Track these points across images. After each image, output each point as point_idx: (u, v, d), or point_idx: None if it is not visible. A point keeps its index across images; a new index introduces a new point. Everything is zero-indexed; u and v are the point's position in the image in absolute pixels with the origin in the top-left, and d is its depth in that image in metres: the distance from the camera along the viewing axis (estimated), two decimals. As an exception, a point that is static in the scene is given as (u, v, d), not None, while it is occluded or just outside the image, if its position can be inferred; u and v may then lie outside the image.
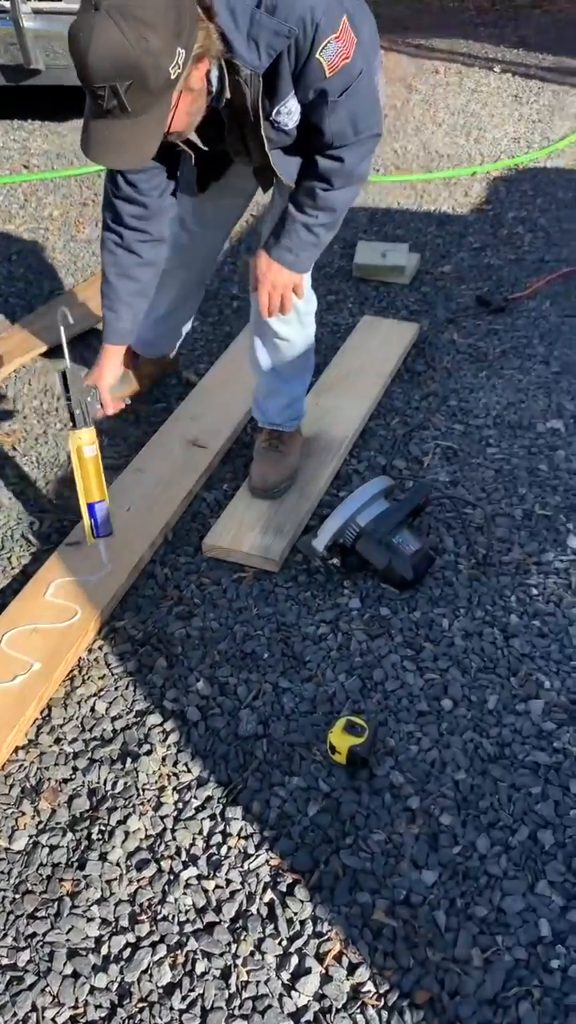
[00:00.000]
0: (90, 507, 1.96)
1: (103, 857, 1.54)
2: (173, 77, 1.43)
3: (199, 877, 1.52)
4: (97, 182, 4.28)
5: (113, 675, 1.86)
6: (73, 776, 1.67)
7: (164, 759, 1.69)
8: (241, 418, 2.57)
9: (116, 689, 1.83)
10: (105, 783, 1.65)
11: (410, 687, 1.81)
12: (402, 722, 1.75)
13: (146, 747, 1.71)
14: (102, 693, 1.82)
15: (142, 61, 1.37)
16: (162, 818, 1.60)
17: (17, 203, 4.08)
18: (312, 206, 1.81)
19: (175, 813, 1.60)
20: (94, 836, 1.57)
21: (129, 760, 1.69)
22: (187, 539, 2.19)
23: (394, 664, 1.86)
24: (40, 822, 1.60)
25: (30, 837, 1.58)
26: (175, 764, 1.68)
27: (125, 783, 1.65)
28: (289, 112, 1.68)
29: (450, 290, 3.29)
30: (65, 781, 1.66)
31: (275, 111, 1.67)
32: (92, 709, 1.79)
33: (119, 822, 1.59)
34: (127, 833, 1.57)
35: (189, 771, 1.67)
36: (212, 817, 1.60)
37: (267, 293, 1.93)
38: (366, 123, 1.71)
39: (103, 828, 1.58)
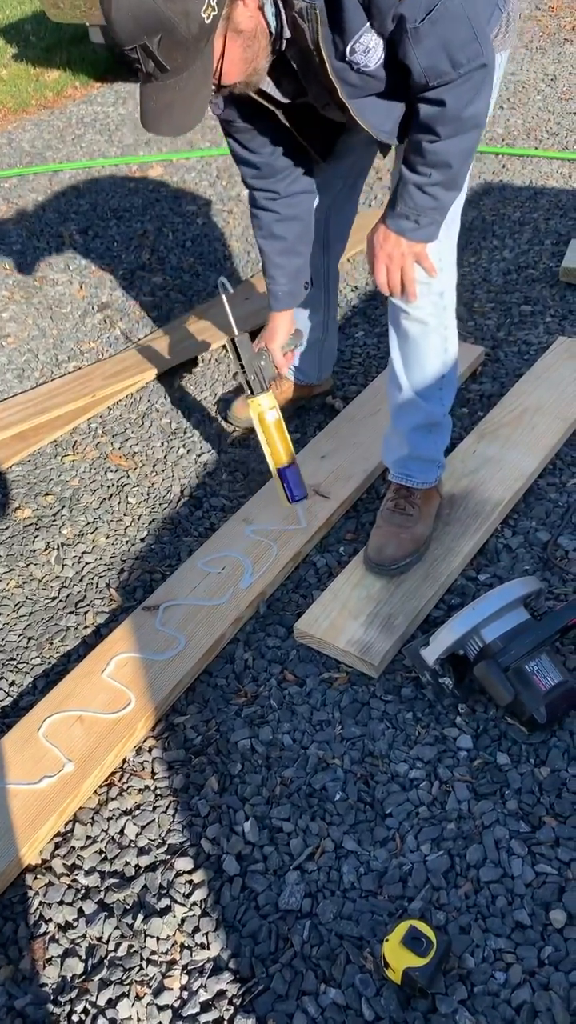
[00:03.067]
0: (281, 472, 1.91)
1: (82, 1045, 1.26)
2: (208, 21, 1.29)
3: None
4: (295, 158, 3.93)
5: (155, 790, 1.56)
6: (76, 923, 1.40)
7: (183, 922, 1.38)
8: (379, 461, 2.16)
9: (154, 810, 1.53)
10: (108, 941, 1.37)
11: (513, 882, 1.37)
12: (491, 933, 1.31)
13: (165, 901, 1.40)
14: (137, 813, 1.53)
15: (166, 10, 1.25)
16: (159, 1008, 1.28)
17: (208, 180, 3.84)
18: (423, 163, 1.53)
19: (176, 1005, 1.29)
20: (74, 1020, 1.29)
21: (143, 915, 1.39)
22: (282, 615, 1.84)
23: (499, 842, 1.41)
24: (21, 977, 1.34)
25: None
26: (194, 932, 1.36)
27: (131, 947, 1.36)
28: (367, 49, 1.42)
29: None
30: (64, 928, 1.39)
31: (349, 49, 1.41)
32: (121, 832, 1.50)
33: (109, 1003, 1.30)
34: (113, 1023, 1.28)
35: (207, 947, 1.34)
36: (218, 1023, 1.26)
37: (383, 264, 1.66)
38: (465, 52, 1.39)
39: (88, 1008, 1.30)
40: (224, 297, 1.85)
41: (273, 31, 1.43)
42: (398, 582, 1.82)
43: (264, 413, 1.88)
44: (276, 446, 1.90)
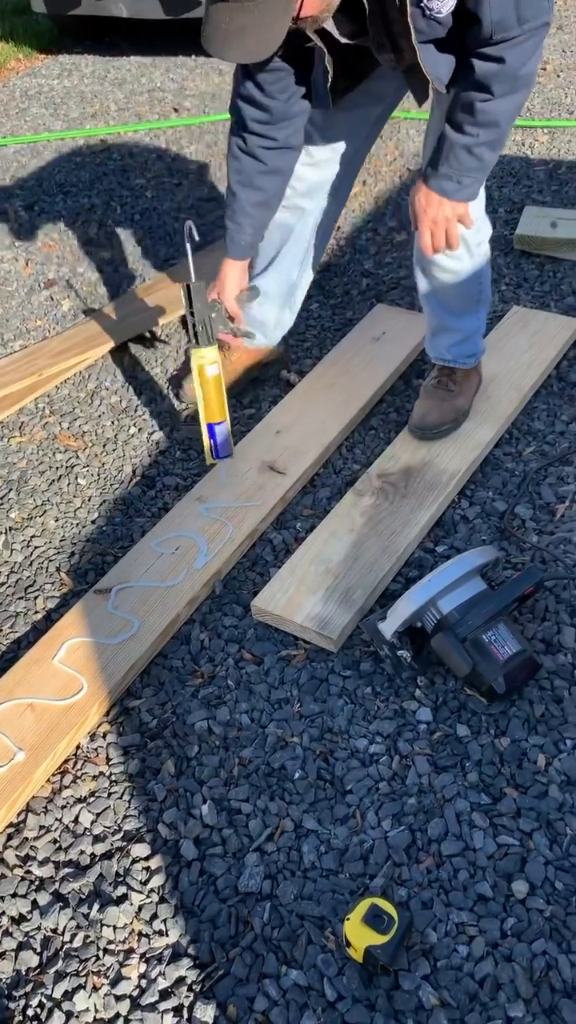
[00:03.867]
0: (210, 428, 1.93)
1: (38, 1040, 1.23)
2: None
3: None
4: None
5: (110, 776, 1.52)
6: (30, 916, 1.36)
7: (140, 910, 1.34)
8: (337, 434, 2.12)
9: (109, 796, 1.49)
10: (64, 932, 1.33)
11: (475, 855, 1.35)
12: (453, 908, 1.30)
13: (121, 889, 1.36)
14: (91, 800, 1.49)
15: None
16: (117, 999, 1.25)
17: (157, 152, 3.74)
18: (471, 123, 1.55)
19: (134, 994, 1.25)
20: (29, 1014, 1.25)
21: (98, 904, 1.35)
22: (239, 594, 1.80)
23: (460, 815, 1.40)
24: (-20, 971, 1.31)
25: (-36, 990, 1.29)
26: (151, 920, 1.33)
27: (86, 937, 1.32)
28: None
29: None
30: (18, 921, 1.35)
31: None
32: (75, 820, 1.46)
33: (65, 995, 1.26)
34: (70, 1015, 1.24)
35: (166, 934, 1.31)
36: (177, 1012, 1.23)
37: (428, 229, 1.69)
38: (532, 9, 1.43)
39: (44, 1002, 1.26)
40: (188, 243, 1.83)
41: None
42: (355, 555, 1.79)
43: (205, 367, 1.87)
44: (211, 402, 1.90)
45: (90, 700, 1.58)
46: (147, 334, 2.57)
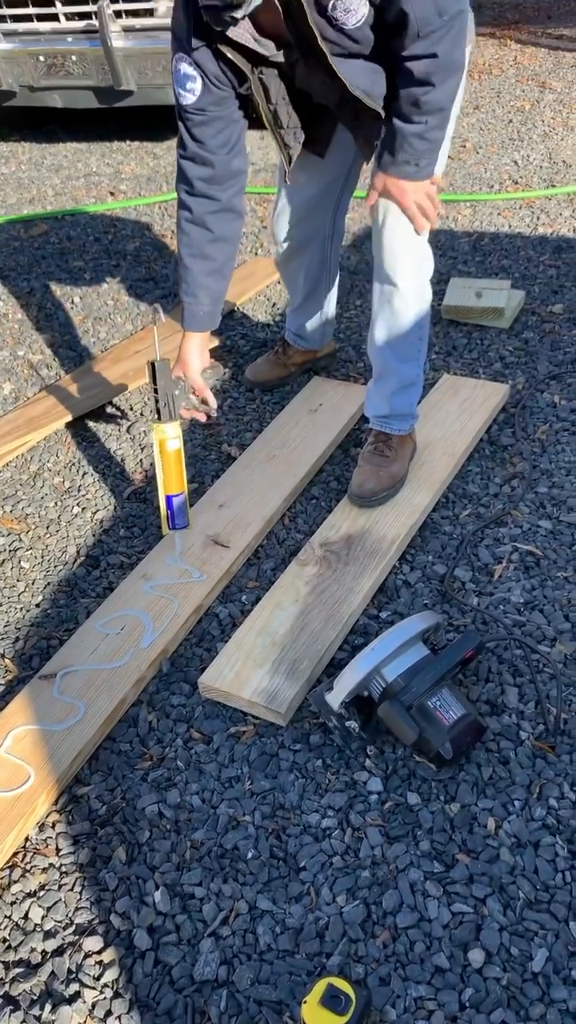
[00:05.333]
0: (168, 499, 2.03)
1: None
2: None
3: None
4: (180, 210, 3.96)
5: (60, 867, 1.49)
6: (-22, 1022, 1.31)
7: (94, 1007, 1.31)
8: (279, 505, 2.16)
9: (60, 888, 1.46)
10: (14, 1038, 1.29)
11: (430, 926, 1.35)
12: (411, 982, 1.29)
13: (74, 986, 1.33)
14: (41, 894, 1.45)
15: None
16: None
17: (95, 235, 3.83)
18: (418, 113, 1.70)
19: None
20: None
21: (50, 1006, 1.31)
22: (186, 671, 1.80)
23: (414, 885, 1.40)
24: None
25: None
26: (105, 1017, 1.29)
27: (38, 1041, 1.28)
28: (347, 9, 1.57)
29: (559, 337, 2.74)
30: (-33, 1029, 1.31)
31: (330, 5, 1.56)
32: (25, 917, 1.43)
33: None
34: None
35: (120, 1031, 1.28)
36: None
37: (414, 208, 1.83)
38: (447, 1, 1.57)
39: None
40: (155, 324, 1.95)
41: None
42: (301, 625, 1.81)
43: (167, 441, 1.98)
44: (171, 474, 2.01)
45: (38, 790, 1.56)
46: (89, 414, 2.59)
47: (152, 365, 1.94)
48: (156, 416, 1.97)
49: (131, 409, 2.64)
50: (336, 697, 1.57)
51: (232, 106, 1.84)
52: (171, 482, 2.02)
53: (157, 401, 1.96)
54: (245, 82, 1.78)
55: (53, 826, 1.55)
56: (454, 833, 1.46)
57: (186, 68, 1.76)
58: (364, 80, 1.71)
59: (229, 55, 1.71)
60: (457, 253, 3.27)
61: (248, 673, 1.72)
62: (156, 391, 1.95)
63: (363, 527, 2.04)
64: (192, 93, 1.78)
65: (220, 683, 1.71)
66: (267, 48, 1.70)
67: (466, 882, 1.39)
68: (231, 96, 1.82)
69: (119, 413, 2.62)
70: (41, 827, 1.55)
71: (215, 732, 1.67)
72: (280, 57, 1.74)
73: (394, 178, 1.81)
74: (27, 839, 1.53)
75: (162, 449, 1.98)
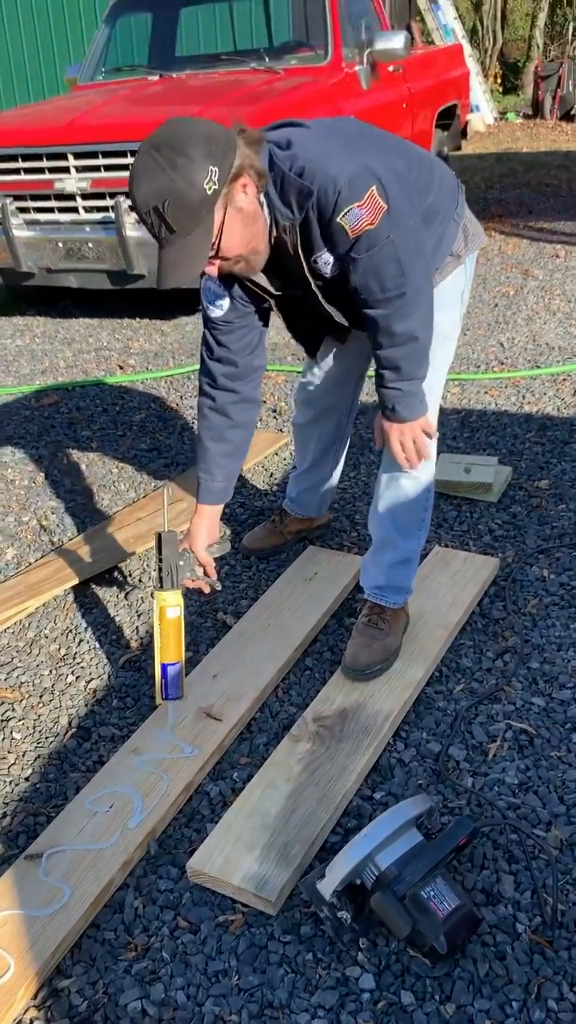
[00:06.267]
0: (163, 668, 2.03)
1: None
2: (210, 192, 1.60)
3: None
4: (186, 384, 4.18)
5: (34, 1073, 1.41)
6: None
7: None
8: (273, 676, 2.17)
9: None
10: None
11: None
12: None
13: None
14: None
15: (175, 179, 1.56)
16: None
17: (103, 405, 4.01)
18: (379, 366, 1.89)
19: None
20: None
21: None
22: (174, 853, 1.76)
23: None
24: None
25: None
26: None
27: None
28: (327, 263, 1.81)
29: (545, 511, 2.84)
30: None
31: (312, 260, 1.81)
32: None
33: None
34: None
35: None
36: None
37: (399, 446, 1.97)
38: (392, 282, 1.75)
39: None
40: (165, 499, 2.11)
41: (267, 223, 1.76)
42: (293, 806, 1.78)
43: (167, 608, 2.01)
44: (168, 643, 2.02)
45: (17, 982, 1.49)
46: (89, 582, 2.65)
47: (159, 536, 2.03)
48: (159, 584, 2.03)
49: (130, 575, 2.69)
50: (328, 886, 1.54)
51: (254, 318, 2.06)
52: (168, 650, 2.03)
53: (160, 570, 2.02)
54: (265, 302, 2.03)
55: (32, 1022, 1.48)
56: (450, 1039, 1.39)
57: (214, 287, 1.99)
58: (339, 313, 1.96)
59: (249, 285, 1.97)
60: (446, 429, 3.43)
61: (238, 858, 1.68)
62: (160, 560, 2.02)
63: (357, 701, 2.05)
64: (220, 308, 2.01)
65: (209, 868, 1.67)
66: (274, 286, 1.96)
67: None
68: (253, 311, 2.05)
69: (119, 579, 2.67)
70: (18, 1025, 1.48)
71: (203, 921, 1.62)
72: (282, 292, 1.98)
73: (382, 419, 1.96)
74: (2, 1039, 1.46)
75: (161, 616, 2.01)
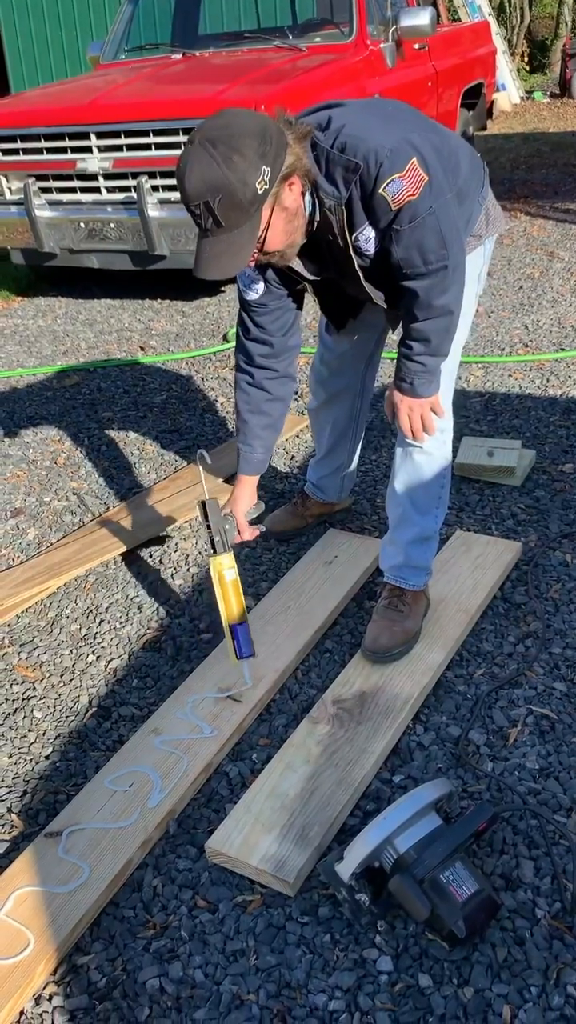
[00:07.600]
0: (233, 628, 2.03)
1: None
2: (260, 192, 1.61)
3: None
4: (207, 366, 4.17)
5: (54, 1047, 1.42)
6: None
7: None
8: (293, 658, 2.17)
9: (52, 1072, 1.39)
10: None
11: None
12: None
13: None
14: (32, 1077, 1.39)
15: (229, 177, 1.56)
16: None
17: (125, 386, 4.01)
18: (408, 338, 1.90)
19: None
20: None
21: None
22: (193, 833, 1.77)
23: (425, 1080, 1.32)
24: None
25: None
26: None
27: None
28: (368, 239, 1.80)
29: (569, 496, 2.81)
30: None
31: (354, 237, 1.80)
32: None
33: None
34: None
35: None
36: None
37: (405, 416, 2.00)
38: (435, 255, 1.76)
39: None
40: (201, 466, 2.10)
41: (307, 216, 1.77)
42: (312, 788, 1.78)
43: (224, 572, 2.03)
44: (231, 604, 2.03)
45: (37, 958, 1.51)
46: (109, 562, 2.65)
47: (202, 504, 2.06)
48: (212, 550, 2.05)
49: (151, 556, 2.69)
50: (346, 868, 1.54)
51: (288, 300, 2.08)
52: (232, 611, 2.04)
53: (211, 536, 2.05)
54: (299, 284, 2.05)
55: (50, 999, 1.49)
56: (468, 1021, 1.39)
57: (249, 271, 2.00)
58: (376, 292, 1.94)
59: (285, 271, 1.97)
60: (469, 412, 3.40)
61: (256, 838, 1.69)
62: (209, 527, 2.04)
63: (376, 684, 2.04)
64: (256, 292, 2.03)
65: (228, 848, 1.67)
66: (309, 270, 1.97)
67: (481, 1079, 1.32)
68: (286, 293, 2.06)
69: (140, 559, 2.67)
70: (37, 1000, 1.49)
71: (221, 900, 1.62)
72: (318, 276, 1.99)
73: (396, 391, 1.99)
74: (22, 1013, 1.47)
75: (220, 580, 2.03)
